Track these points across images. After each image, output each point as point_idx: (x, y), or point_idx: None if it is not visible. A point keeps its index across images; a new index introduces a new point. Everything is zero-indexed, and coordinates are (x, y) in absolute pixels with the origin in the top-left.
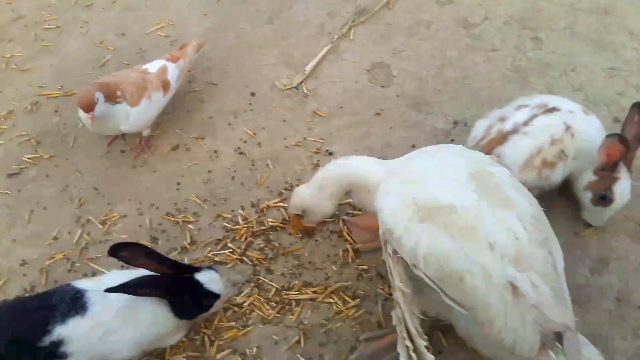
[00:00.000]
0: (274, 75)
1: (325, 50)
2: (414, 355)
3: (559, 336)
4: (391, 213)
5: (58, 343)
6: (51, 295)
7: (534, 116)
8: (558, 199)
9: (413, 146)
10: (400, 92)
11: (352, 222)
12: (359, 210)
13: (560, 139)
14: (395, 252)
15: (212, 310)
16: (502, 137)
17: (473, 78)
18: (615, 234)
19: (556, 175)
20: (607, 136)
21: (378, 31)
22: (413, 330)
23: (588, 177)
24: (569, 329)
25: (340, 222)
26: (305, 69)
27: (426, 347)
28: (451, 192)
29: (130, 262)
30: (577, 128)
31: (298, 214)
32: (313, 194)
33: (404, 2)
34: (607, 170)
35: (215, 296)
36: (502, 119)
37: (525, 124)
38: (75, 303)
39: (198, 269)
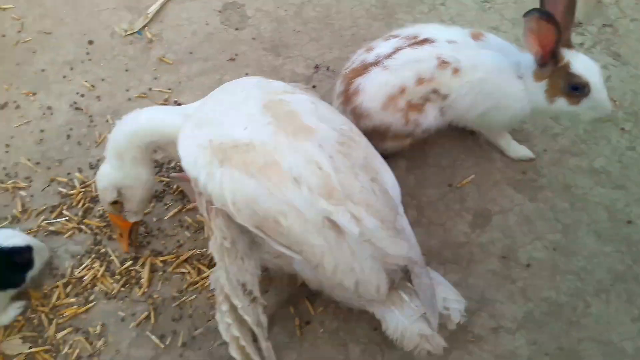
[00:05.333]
0: (114, 21)
1: None
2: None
3: (408, 274)
4: (190, 160)
5: None
6: None
7: (398, 48)
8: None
9: None
10: (256, 35)
11: (178, 177)
12: None
13: (430, 78)
14: (211, 202)
15: (34, 271)
16: (363, 68)
17: (335, 17)
18: (496, 184)
19: (429, 121)
20: (525, 15)
21: None
22: (235, 295)
23: (541, 86)
24: (415, 263)
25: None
26: (148, 11)
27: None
28: (247, 129)
29: None
30: (465, 61)
31: (115, 205)
32: (116, 166)
33: None
34: (549, 65)
35: (24, 250)
36: (369, 49)
37: (389, 56)
38: None
39: None
